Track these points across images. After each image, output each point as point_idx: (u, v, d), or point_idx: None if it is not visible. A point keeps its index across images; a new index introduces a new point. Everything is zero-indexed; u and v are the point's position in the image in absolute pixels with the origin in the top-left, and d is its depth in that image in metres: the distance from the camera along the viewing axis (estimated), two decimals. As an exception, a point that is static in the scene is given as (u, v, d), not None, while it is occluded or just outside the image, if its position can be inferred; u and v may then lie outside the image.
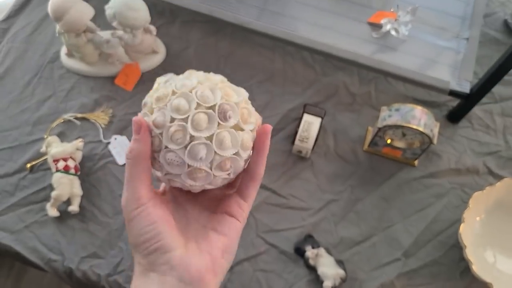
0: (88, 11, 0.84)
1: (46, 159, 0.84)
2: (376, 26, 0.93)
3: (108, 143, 0.89)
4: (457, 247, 0.80)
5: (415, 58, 0.91)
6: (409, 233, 0.84)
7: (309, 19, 0.95)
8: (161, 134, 0.36)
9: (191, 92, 0.36)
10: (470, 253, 0.76)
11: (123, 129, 0.91)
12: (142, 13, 0.85)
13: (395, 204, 0.86)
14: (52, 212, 0.80)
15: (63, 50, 0.96)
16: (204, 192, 0.41)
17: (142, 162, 0.36)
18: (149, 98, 0.38)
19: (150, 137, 0.36)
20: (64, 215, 0.82)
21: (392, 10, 0.91)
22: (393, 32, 0.91)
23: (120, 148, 0.89)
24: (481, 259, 0.79)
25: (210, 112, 0.36)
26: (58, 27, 0.86)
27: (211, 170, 0.36)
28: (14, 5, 1.05)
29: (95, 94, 0.94)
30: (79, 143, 0.85)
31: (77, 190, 0.82)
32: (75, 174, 0.83)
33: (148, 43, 0.92)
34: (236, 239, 0.39)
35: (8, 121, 0.91)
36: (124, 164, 0.84)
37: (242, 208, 0.39)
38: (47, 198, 0.83)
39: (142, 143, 0.36)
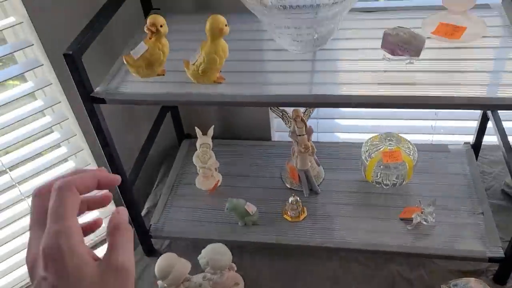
0: (187, 266, 1.04)
1: None
2: (408, 220, 1.15)
3: None
4: None
5: (448, 238, 1.11)
6: None
7: (350, 227, 1.17)
8: None
9: None
10: None
11: None
12: (228, 256, 1.06)
13: None
14: None
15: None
16: None
17: None
18: None
19: None
20: None
21: (416, 205, 1.14)
22: (423, 222, 1.12)
23: None
24: None
25: None
26: (161, 282, 1.04)
27: None
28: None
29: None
30: None
31: None
32: None
33: (232, 278, 1.11)
34: None
35: None
36: None
37: None
38: None
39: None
